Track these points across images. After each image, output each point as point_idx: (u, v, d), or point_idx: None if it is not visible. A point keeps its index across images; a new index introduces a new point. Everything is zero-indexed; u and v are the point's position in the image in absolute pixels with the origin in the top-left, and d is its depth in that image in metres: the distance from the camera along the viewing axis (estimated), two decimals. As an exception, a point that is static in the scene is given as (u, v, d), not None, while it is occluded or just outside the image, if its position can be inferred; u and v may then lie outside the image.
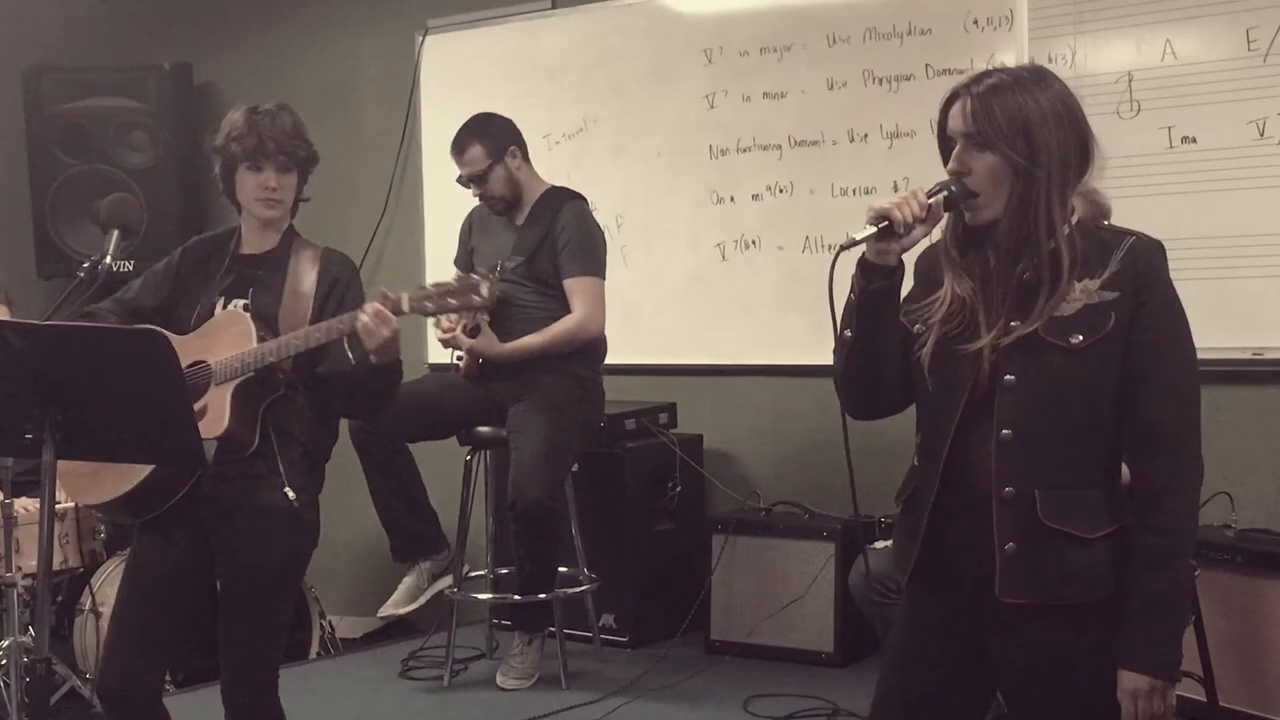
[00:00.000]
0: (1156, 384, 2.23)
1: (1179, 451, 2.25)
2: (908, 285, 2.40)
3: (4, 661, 4.59)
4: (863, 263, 2.29)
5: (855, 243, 2.26)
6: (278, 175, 3.16)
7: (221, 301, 3.20)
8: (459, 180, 4.63)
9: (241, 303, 3.18)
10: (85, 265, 3.26)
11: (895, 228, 2.24)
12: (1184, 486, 2.26)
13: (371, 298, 3.00)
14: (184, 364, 3.01)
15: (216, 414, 2.99)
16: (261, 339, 3.07)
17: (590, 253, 4.56)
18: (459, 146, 4.59)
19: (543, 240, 4.53)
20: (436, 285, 3.03)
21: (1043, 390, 2.23)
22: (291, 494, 3.10)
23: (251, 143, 3.13)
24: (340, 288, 3.19)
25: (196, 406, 3.00)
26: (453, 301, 3.01)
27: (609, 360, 4.67)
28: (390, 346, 2.97)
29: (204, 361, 3.06)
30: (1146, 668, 2.21)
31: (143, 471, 3.04)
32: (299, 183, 3.24)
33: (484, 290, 3.00)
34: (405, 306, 2.97)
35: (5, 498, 4.69)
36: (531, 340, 4.45)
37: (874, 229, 2.24)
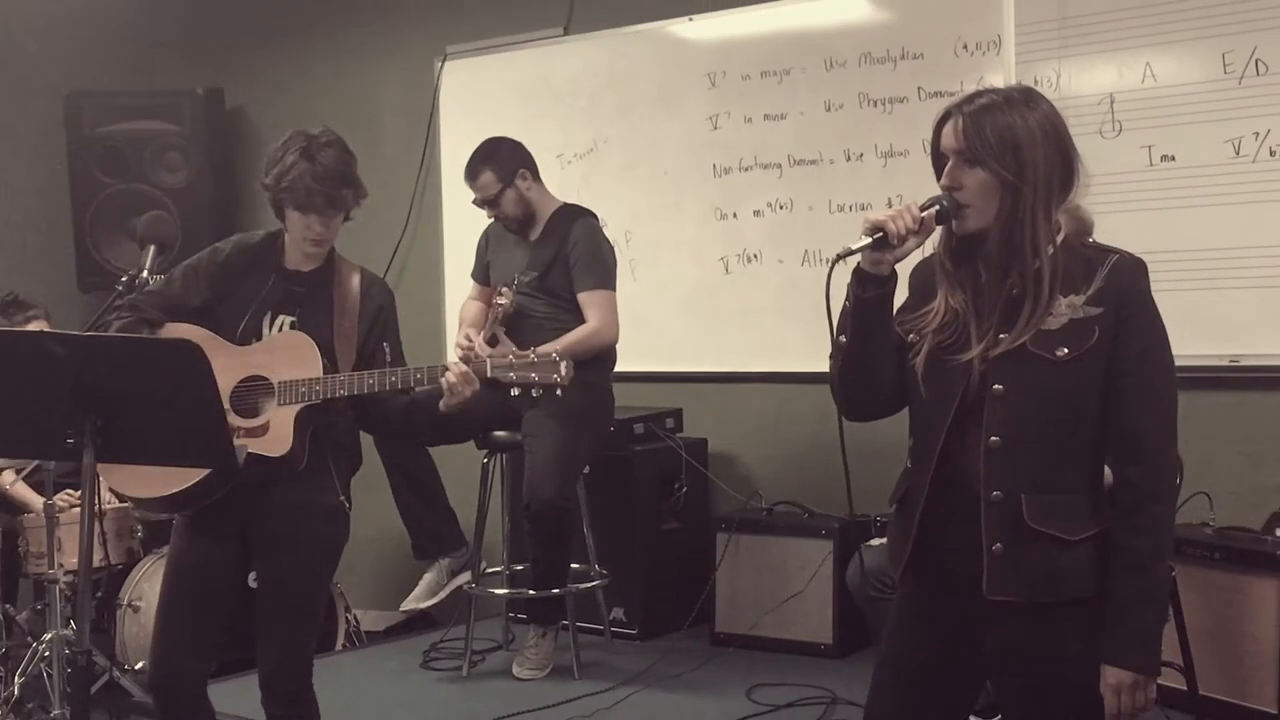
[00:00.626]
0: (1137, 396, 2.23)
1: (1158, 459, 2.24)
2: (902, 296, 2.40)
3: (48, 653, 4.59)
4: (858, 272, 2.29)
5: (851, 252, 2.27)
6: (323, 223, 3.14)
7: (269, 316, 3.17)
8: (474, 202, 4.63)
9: (289, 320, 3.16)
10: (123, 279, 3.27)
11: (889, 239, 2.24)
12: (1163, 491, 2.26)
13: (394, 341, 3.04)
14: (242, 377, 3.04)
15: (280, 434, 3.00)
16: (325, 367, 3.06)
17: (601, 267, 4.56)
18: (471, 173, 4.58)
19: (555, 256, 4.53)
20: (519, 357, 3.01)
21: (1029, 400, 2.23)
22: (342, 497, 3.14)
23: (300, 197, 3.08)
24: (383, 317, 3.21)
25: (257, 423, 3.02)
26: (533, 377, 3.00)
27: (618, 368, 4.66)
28: (467, 405, 3.00)
29: (265, 379, 3.05)
30: (1128, 663, 2.20)
31: (194, 477, 3.02)
32: (344, 219, 3.22)
33: (563, 370, 2.99)
34: (489, 373, 2.99)
35: (48, 499, 4.70)
36: (547, 349, 4.44)
37: (869, 240, 2.25)
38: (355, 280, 3.22)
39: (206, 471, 3.02)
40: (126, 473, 3.11)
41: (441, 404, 3.01)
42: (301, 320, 3.16)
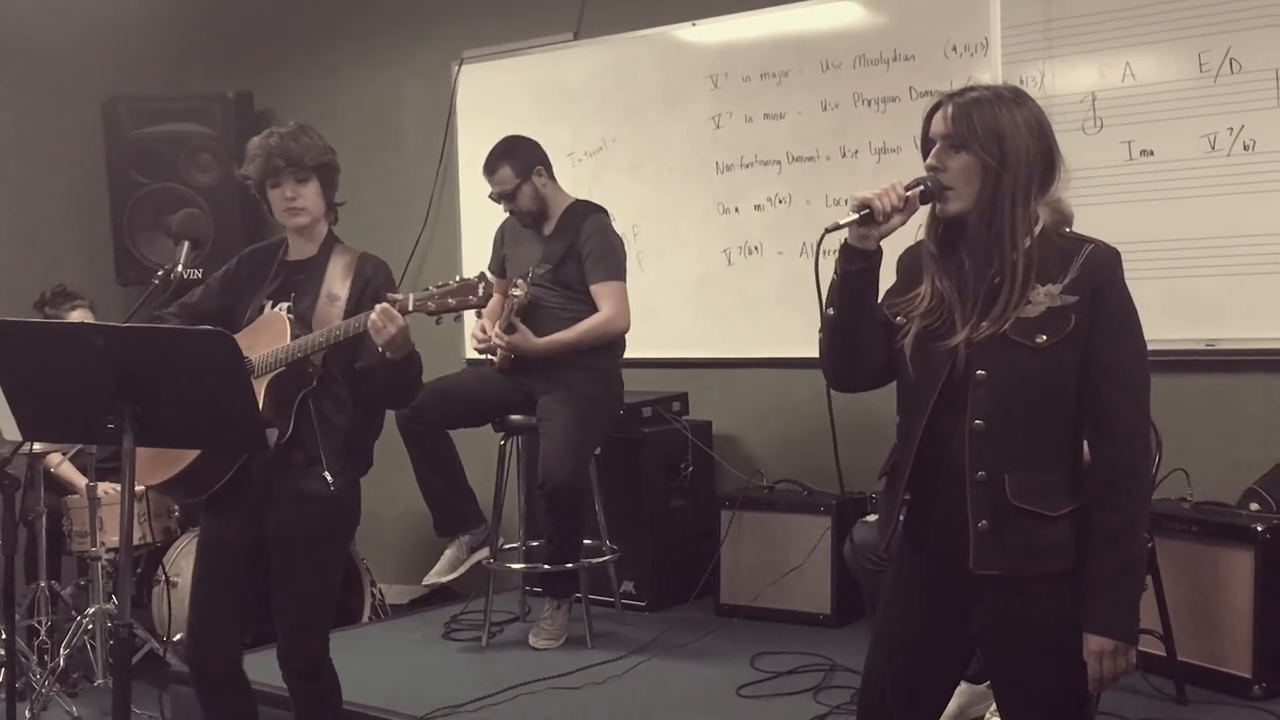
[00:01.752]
0: (1112, 379, 2.23)
1: (1133, 438, 2.24)
2: (890, 279, 2.40)
3: (91, 626, 4.63)
4: (845, 246, 2.31)
5: (839, 226, 2.29)
6: (295, 186, 3.16)
7: (269, 304, 3.21)
8: (490, 197, 4.63)
9: (285, 305, 3.19)
10: (159, 273, 3.28)
11: (875, 215, 2.26)
12: (1138, 469, 2.26)
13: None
14: None
15: None
16: (295, 336, 3.08)
17: (613, 259, 4.55)
18: (490, 168, 4.57)
19: (568, 249, 4.53)
20: (438, 286, 3.02)
21: (1010, 385, 2.23)
22: (330, 478, 3.10)
23: (261, 165, 3.16)
24: (371, 288, 3.18)
25: None
26: (451, 301, 3.00)
27: (627, 355, 4.66)
28: (398, 342, 2.97)
29: (248, 358, 3.06)
30: (1109, 631, 2.21)
31: (190, 455, 3.06)
32: (324, 190, 3.23)
33: (480, 290, 2.99)
34: (410, 306, 2.98)
35: (90, 481, 4.72)
36: (565, 335, 4.45)
37: (856, 215, 2.27)
38: (348, 260, 3.22)
39: (195, 454, 3.04)
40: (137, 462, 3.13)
41: (382, 349, 2.98)
42: (295, 303, 3.18)
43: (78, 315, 5.12)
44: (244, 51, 6.57)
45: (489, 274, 3.08)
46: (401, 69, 6.14)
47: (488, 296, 3.02)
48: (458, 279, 3.04)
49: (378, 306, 2.96)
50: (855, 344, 2.36)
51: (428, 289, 3.03)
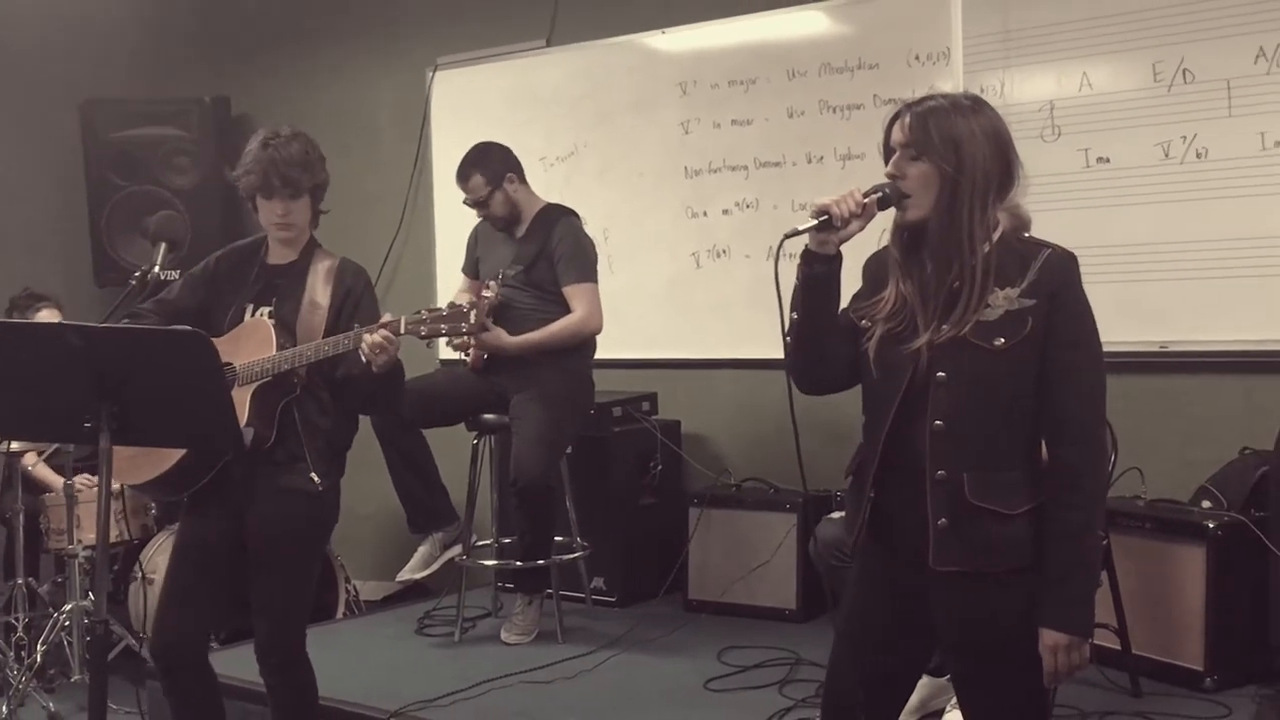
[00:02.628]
0: (1068, 381, 2.24)
1: (1088, 439, 2.25)
2: (855, 284, 2.40)
3: (68, 623, 4.59)
4: (806, 252, 2.31)
5: (798, 232, 2.30)
6: (285, 203, 3.14)
7: (251, 308, 3.19)
8: (465, 203, 4.61)
9: (266, 310, 3.17)
10: (136, 274, 3.25)
11: (834, 221, 2.27)
12: (1092, 469, 2.27)
13: (368, 322, 3.01)
14: None
15: (237, 412, 2.97)
16: (281, 346, 3.06)
17: (584, 261, 4.55)
18: (462, 176, 4.55)
19: (540, 251, 4.52)
20: (431, 311, 3.03)
21: (970, 387, 2.24)
22: (316, 478, 3.10)
23: (257, 180, 3.11)
24: (353, 298, 3.18)
25: None
26: (443, 327, 3.01)
27: (598, 355, 4.66)
28: (391, 362, 2.98)
29: (230, 364, 3.05)
30: (1064, 626, 2.22)
31: (174, 455, 3.05)
32: (311, 204, 3.21)
33: (471, 318, 3.00)
34: (403, 329, 2.98)
35: (68, 479, 4.68)
36: (538, 335, 4.44)
37: (815, 222, 2.27)
38: (329, 267, 3.20)
39: (181, 454, 3.02)
40: (118, 461, 3.10)
41: (373, 367, 2.98)
42: (276, 308, 3.16)
43: (44, 315, 5.07)
44: (222, 55, 6.53)
45: (479, 302, 3.08)
46: (377, 74, 6.12)
47: (479, 326, 3.03)
48: (448, 305, 3.04)
49: (372, 337, 2.95)
50: (819, 347, 2.36)
51: (420, 313, 3.03)
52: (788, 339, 2.36)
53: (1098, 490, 2.30)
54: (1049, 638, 2.22)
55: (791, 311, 2.35)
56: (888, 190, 2.28)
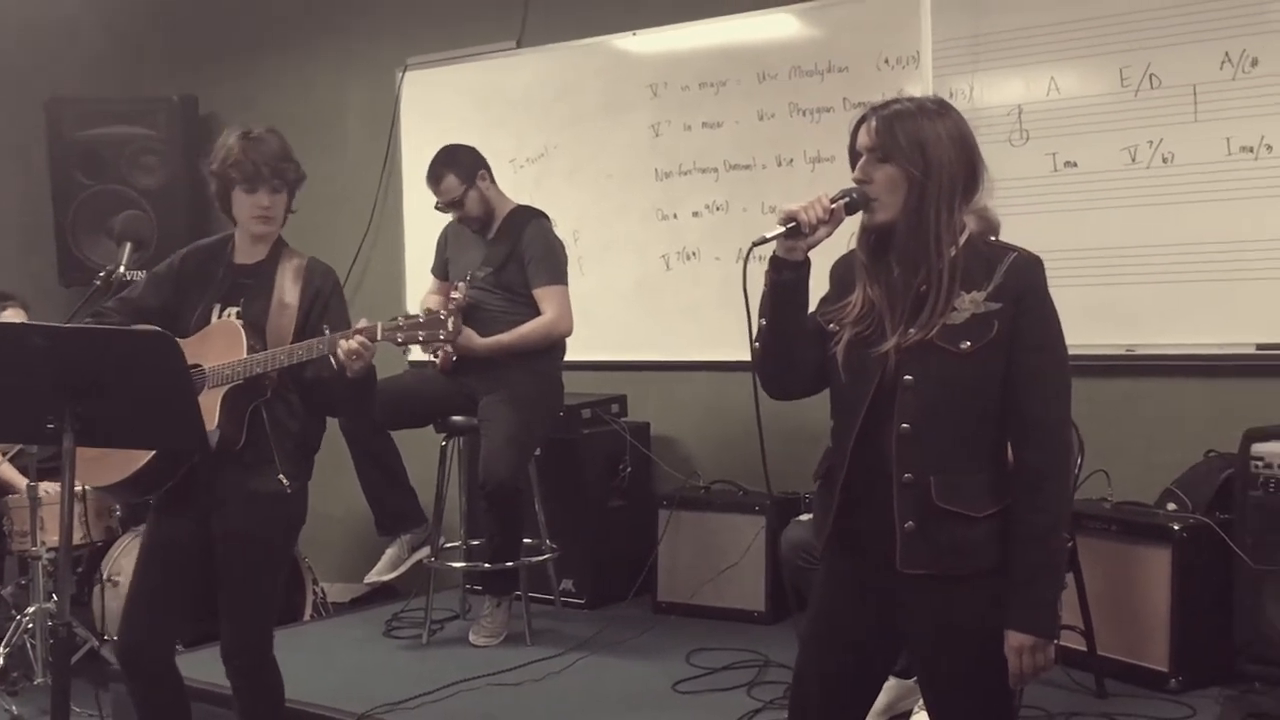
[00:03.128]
0: (1034, 384, 2.24)
1: (1053, 442, 2.26)
2: (823, 288, 2.41)
3: (31, 625, 4.55)
4: (774, 258, 2.31)
5: (766, 240, 2.29)
6: (270, 195, 3.12)
7: (218, 309, 3.15)
8: (437, 207, 4.59)
9: (234, 310, 3.14)
10: (101, 274, 3.23)
11: (801, 228, 2.26)
12: (1057, 471, 2.27)
13: (337, 323, 2.99)
14: None
15: (207, 415, 2.95)
16: (251, 348, 3.03)
17: (555, 263, 4.54)
18: (434, 177, 4.53)
19: (510, 253, 4.51)
20: (407, 319, 3.01)
21: (936, 390, 2.24)
22: (285, 480, 3.08)
23: (248, 169, 3.09)
24: (322, 300, 3.16)
25: None
26: (419, 335, 3.00)
27: (568, 357, 4.65)
28: (366, 368, 2.97)
29: (199, 366, 3.02)
30: (1029, 628, 2.22)
31: (142, 458, 3.02)
32: (288, 200, 3.20)
33: (450, 325, 2.99)
34: (379, 335, 2.97)
35: (31, 481, 4.64)
36: (508, 336, 4.43)
37: (783, 228, 2.27)
38: (297, 267, 3.18)
39: (148, 456, 3.00)
40: (85, 463, 3.08)
41: (347, 372, 2.97)
42: (245, 309, 3.13)
43: (9, 315, 5.02)
44: (189, 55, 6.49)
45: (456, 312, 3.06)
46: (346, 75, 6.09)
47: (456, 333, 3.01)
48: (425, 312, 3.03)
49: (347, 344, 2.93)
50: (789, 352, 2.36)
51: (396, 320, 3.01)
52: (755, 345, 2.36)
53: (1063, 493, 2.31)
54: (1014, 639, 2.23)
55: (760, 318, 2.34)
56: (855, 195, 2.29)
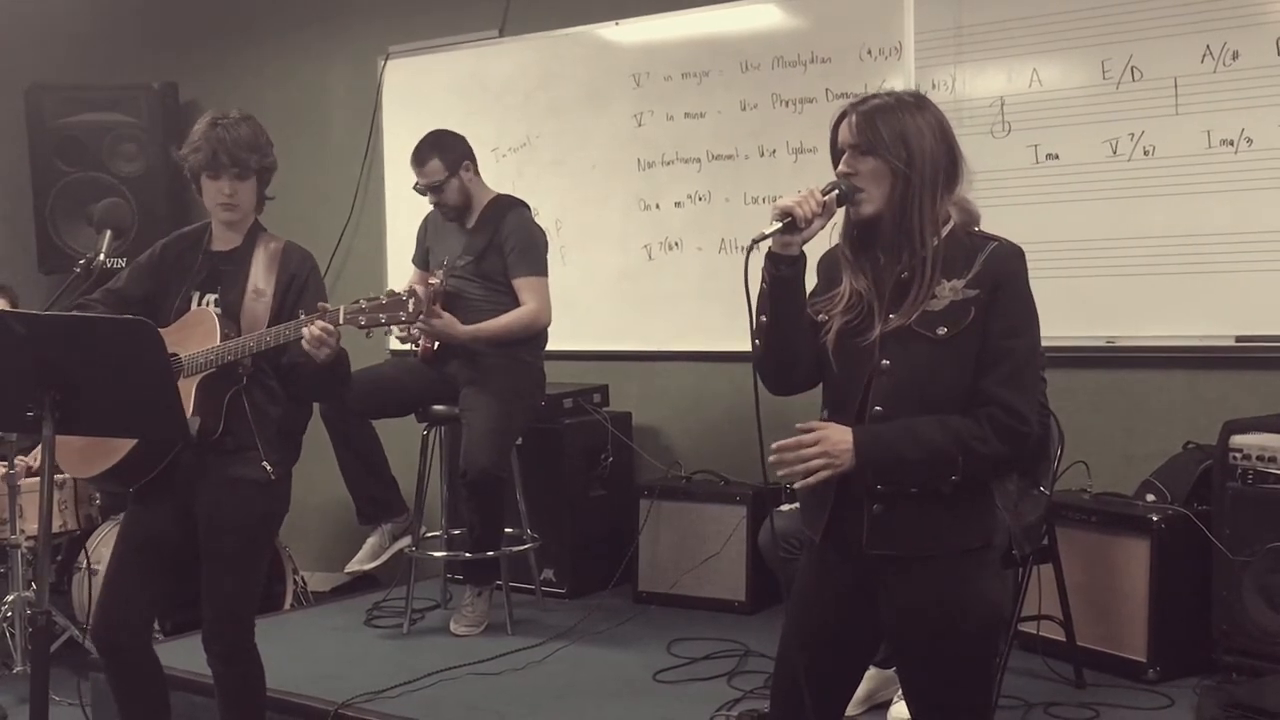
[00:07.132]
0: (1002, 367, 2.24)
1: (1015, 423, 2.23)
2: (811, 281, 2.41)
3: (9, 614, 4.53)
4: (771, 254, 2.32)
5: (765, 237, 2.29)
6: (232, 183, 3.10)
7: (196, 296, 3.15)
8: (416, 188, 4.58)
9: (212, 298, 3.14)
10: (81, 262, 3.21)
11: (797, 222, 2.27)
12: (1006, 441, 2.23)
13: (313, 308, 2.98)
14: None
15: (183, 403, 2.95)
16: (225, 335, 3.03)
17: (535, 254, 4.53)
18: (419, 159, 4.52)
19: (490, 242, 4.50)
20: (369, 300, 3.00)
21: (910, 374, 2.26)
22: (269, 466, 3.08)
23: (206, 156, 3.08)
24: (298, 283, 3.14)
25: None
26: (381, 317, 2.99)
27: (550, 347, 4.65)
28: (333, 354, 2.95)
29: (176, 355, 3.01)
30: (861, 440, 2.22)
31: (126, 447, 3.01)
32: (258, 187, 3.17)
33: (410, 306, 2.97)
34: (341, 319, 2.95)
35: (9, 469, 4.62)
36: (489, 325, 4.41)
37: (779, 224, 2.27)
38: (273, 252, 3.17)
39: (133, 445, 2.99)
40: (68, 453, 3.07)
41: (316, 359, 2.95)
42: (222, 295, 3.13)
43: (-2, 305, 5.00)
44: (170, 41, 6.45)
45: (418, 290, 3.05)
46: (328, 63, 6.07)
47: (418, 313, 3.01)
48: (387, 294, 3.02)
49: (310, 329, 2.92)
50: (791, 347, 2.36)
51: (358, 303, 3.00)
52: (756, 342, 2.36)
53: (992, 457, 2.24)
54: (841, 433, 2.22)
55: (759, 315, 2.34)
56: (843, 185, 2.30)
